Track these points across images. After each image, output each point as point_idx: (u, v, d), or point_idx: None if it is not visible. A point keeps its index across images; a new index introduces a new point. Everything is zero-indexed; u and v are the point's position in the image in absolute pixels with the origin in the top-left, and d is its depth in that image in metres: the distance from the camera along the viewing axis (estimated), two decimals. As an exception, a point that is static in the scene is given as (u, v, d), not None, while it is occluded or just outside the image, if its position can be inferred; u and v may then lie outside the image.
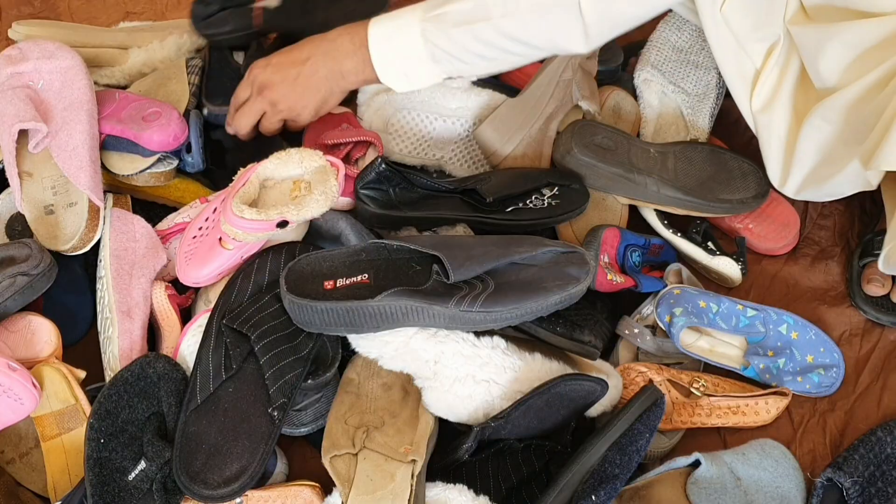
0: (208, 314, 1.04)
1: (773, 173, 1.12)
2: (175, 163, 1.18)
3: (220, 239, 1.05)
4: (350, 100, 1.27)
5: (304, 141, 1.21)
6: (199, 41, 1.40)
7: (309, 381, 0.99)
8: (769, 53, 1.07)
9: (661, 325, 1.07)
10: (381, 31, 1.03)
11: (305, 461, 1.05)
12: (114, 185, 1.18)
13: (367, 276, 1.01)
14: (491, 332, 1.00)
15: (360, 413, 0.99)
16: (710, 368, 1.09)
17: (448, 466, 0.98)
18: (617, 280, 1.07)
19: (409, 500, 0.91)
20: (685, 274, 1.14)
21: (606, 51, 1.29)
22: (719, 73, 1.26)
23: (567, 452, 0.98)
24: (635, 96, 1.29)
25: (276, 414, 0.95)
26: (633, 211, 1.21)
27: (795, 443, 1.06)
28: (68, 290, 1.12)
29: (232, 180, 1.10)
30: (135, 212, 1.15)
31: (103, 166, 1.15)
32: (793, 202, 1.20)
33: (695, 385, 1.04)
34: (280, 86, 1.11)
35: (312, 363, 1.00)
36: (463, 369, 0.97)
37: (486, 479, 0.98)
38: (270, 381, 0.96)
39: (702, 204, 1.15)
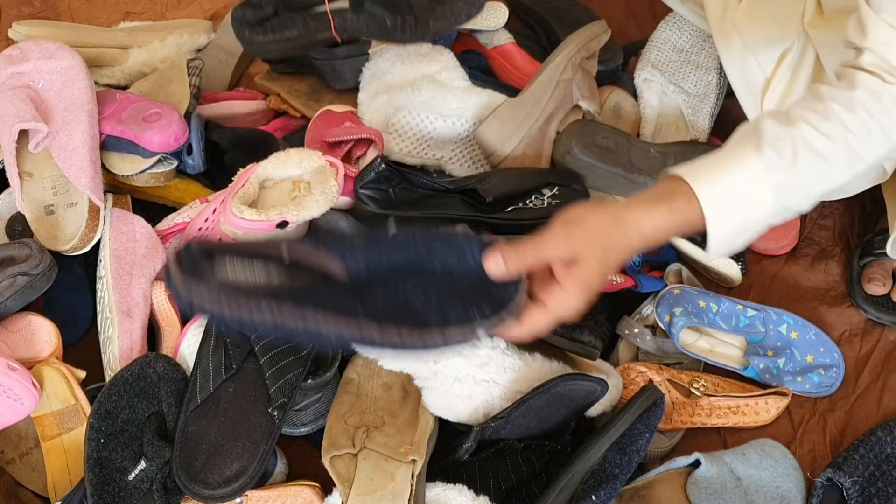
0: (208, 314, 1.04)
1: None
2: (175, 163, 1.18)
3: (220, 240, 1.05)
4: (351, 98, 1.27)
5: (306, 139, 1.21)
6: (200, 41, 1.41)
7: (309, 381, 0.99)
8: (781, 59, 1.07)
9: (661, 325, 1.07)
10: (721, 201, 0.79)
11: (305, 461, 1.05)
12: (114, 186, 1.18)
13: (367, 275, 1.01)
14: (490, 332, 1.00)
15: (360, 413, 0.99)
16: (710, 368, 1.09)
17: (448, 466, 0.98)
18: (617, 280, 1.07)
19: (409, 499, 0.91)
20: (685, 274, 1.14)
21: (607, 51, 1.29)
22: (720, 74, 1.26)
23: (567, 452, 0.98)
24: (635, 96, 1.29)
25: (276, 414, 0.95)
26: (633, 211, 1.21)
27: (795, 443, 1.06)
28: (68, 290, 1.12)
29: (231, 181, 1.10)
30: (135, 212, 1.15)
31: (103, 166, 1.15)
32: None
33: (695, 385, 1.04)
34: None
35: (312, 363, 1.00)
36: (462, 369, 0.97)
37: (486, 478, 0.98)
38: (270, 380, 0.96)
39: (702, 204, 1.15)
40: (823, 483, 0.99)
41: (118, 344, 1.04)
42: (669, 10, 1.29)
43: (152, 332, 1.11)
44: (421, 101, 1.21)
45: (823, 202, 1.23)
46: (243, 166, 1.11)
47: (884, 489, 0.98)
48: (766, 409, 1.05)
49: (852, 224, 1.23)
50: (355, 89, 1.26)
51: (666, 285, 1.11)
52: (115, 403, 0.97)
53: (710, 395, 1.04)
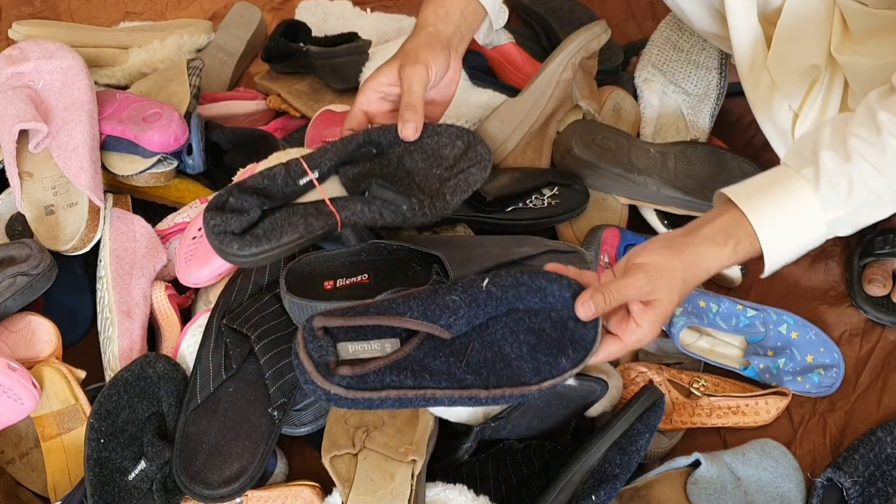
0: (208, 314, 1.04)
1: None
2: (175, 163, 1.18)
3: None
4: (351, 98, 1.27)
5: (307, 139, 1.21)
6: (200, 41, 1.41)
7: (309, 381, 0.99)
8: (810, 90, 1.07)
9: (661, 325, 1.06)
10: (780, 240, 0.85)
11: (305, 461, 1.05)
12: (114, 186, 1.18)
13: (366, 276, 1.01)
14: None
15: (359, 413, 0.99)
16: (710, 368, 1.09)
17: (448, 466, 0.98)
18: (617, 280, 1.07)
19: (409, 499, 0.91)
20: (685, 274, 1.14)
21: (606, 50, 1.29)
22: (720, 74, 1.26)
23: (567, 452, 0.98)
24: (635, 96, 1.29)
25: (276, 414, 0.95)
26: (633, 211, 1.21)
27: (795, 443, 1.06)
28: (68, 290, 1.12)
29: (231, 181, 1.10)
30: (135, 212, 1.15)
31: (103, 166, 1.15)
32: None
33: (695, 385, 1.04)
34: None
35: (312, 363, 1.00)
36: (462, 369, 0.97)
37: (486, 479, 0.98)
38: (270, 380, 0.96)
39: (702, 204, 1.15)
40: (823, 483, 0.99)
41: (118, 344, 1.04)
42: (670, 10, 1.29)
43: (152, 332, 1.11)
44: (421, 102, 1.21)
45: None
46: (243, 166, 1.11)
47: (884, 489, 0.98)
48: (766, 409, 1.05)
49: (852, 224, 1.22)
50: (355, 89, 1.26)
51: (666, 285, 1.10)
52: (115, 403, 0.97)
53: (710, 395, 1.04)
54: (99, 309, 1.09)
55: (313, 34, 1.36)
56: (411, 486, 0.92)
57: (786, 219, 0.84)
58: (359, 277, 1.01)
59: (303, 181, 0.97)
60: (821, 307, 1.16)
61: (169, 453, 0.95)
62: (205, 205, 1.12)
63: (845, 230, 0.87)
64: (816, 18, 1.04)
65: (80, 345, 1.11)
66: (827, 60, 1.06)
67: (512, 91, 1.25)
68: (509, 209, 1.12)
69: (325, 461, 0.95)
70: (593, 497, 0.90)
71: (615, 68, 1.32)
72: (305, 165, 0.98)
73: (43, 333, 1.05)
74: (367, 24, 1.42)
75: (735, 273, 1.15)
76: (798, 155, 0.86)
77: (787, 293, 1.18)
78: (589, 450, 0.94)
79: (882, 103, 0.85)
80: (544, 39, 1.41)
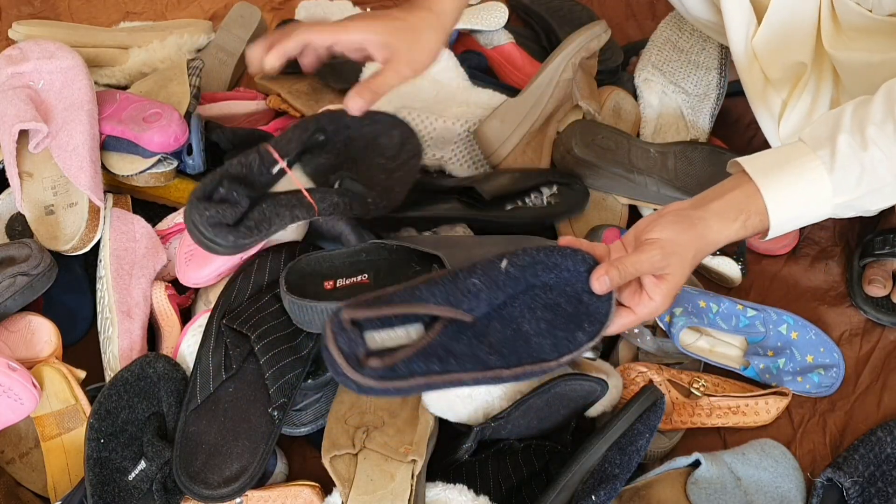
0: (208, 314, 1.04)
1: None
2: (175, 163, 1.17)
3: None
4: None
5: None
6: (200, 41, 1.41)
7: (309, 381, 0.99)
8: (796, 82, 1.07)
9: (660, 325, 1.06)
10: (788, 217, 0.86)
11: (305, 461, 1.05)
12: (114, 186, 1.18)
13: (367, 276, 1.01)
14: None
15: (359, 413, 0.99)
16: (710, 368, 1.09)
17: (448, 466, 0.98)
18: (617, 280, 1.07)
19: (409, 499, 0.91)
20: (685, 274, 1.14)
21: (606, 50, 1.29)
22: (720, 73, 1.26)
23: (567, 452, 0.98)
24: (635, 96, 1.29)
25: (276, 414, 0.95)
26: (633, 211, 1.21)
27: (795, 443, 1.06)
28: (68, 290, 1.12)
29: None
30: (135, 212, 1.15)
31: (103, 167, 1.15)
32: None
33: (695, 385, 1.04)
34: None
35: (312, 363, 1.00)
36: (462, 367, 0.97)
37: (486, 479, 0.98)
38: (270, 381, 0.96)
39: (702, 204, 1.15)
40: (823, 483, 0.99)
41: (118, 344, 1.04)
42: (670, 9, 1.29)
43: (152, 332, 1.11)
44: (421, 102, 1.21)
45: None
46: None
47: (884, 489, 0.98)
48: (766, 409, 1.05)
49: (852, 224, 1.23)
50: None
51: (666, 285, 1.10)
52: (115, 403, 0.97)
53: (710, 395, 1.04)
54: (99, 309, 1.09)
55: (313, 34, 1.36)
56: (411, 485, 0.92)
57: (797, 198, 0.85)
58: (359, 277, 1.01)
59: (275, 169, 1.00)
60: (821, 307, 1.16)
61: (169, 453, 0.95)
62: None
63: (848, 213, 0.88)
64: (804, 16, 1.04)
65: (80, 345, 1.11)
66: (813, 58, 1.06)
67: (512, 91, 1.25)
68: (508, 207, 1.12)
69: (325, 461, 0.95)
70: (593, 497, 0.90)
71: (615, 68, 1.32)
72: (275, 154, 0.99)
73: (43, 333, 1.05)
74: (367, 24, 1.42)
75: (735, 273, 1.15)
76: (816, 135, 0.86)
77: (787, 293, 1.18)
78: (589, 450, 0.94)
79: None
80: (544, 39, 1.41)
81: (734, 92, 1.26)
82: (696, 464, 0.99)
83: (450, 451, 0.97)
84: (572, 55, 1.20)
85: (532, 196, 1.14)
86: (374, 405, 1.00)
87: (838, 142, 0.84)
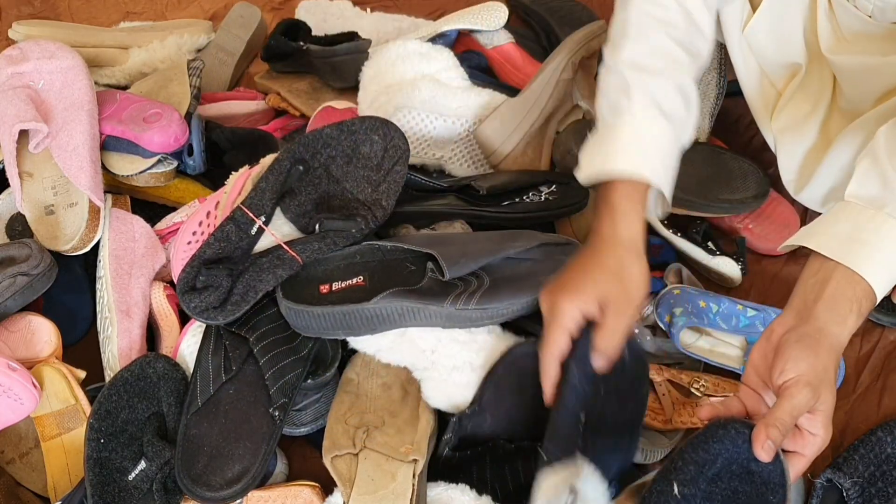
0: (208, 315, 1.04)
1: (788, 182, 1.12)
2: (175, 164, 1.18)
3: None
4: (351, 97, 1.28)
5: (307, 136, 1.21)
6: (200, 41, 1.41)
7: (309, 381, 0.99)
8: (791, 78, 1.07)
9: (661, 325, 1.06)
10: (889, 282, 0.82)
11: (305, 461, 1.05)
12: (113, 186, 1.18)
13: (362, 278, 1.01)
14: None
15: (360, 413, 0.99)
16: (710, 369, 1.09)
17: (435, 465, 0.97)
18: (617, 280, 1.07)
19: (410, 499, 0.91)
20: (685, 273, 1.14)
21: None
22: (720, 73, 1.25)
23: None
24: (635, 96, 1.29)
25: (277, 414, 0.95)
26: (633, 211, 1.21)
27: (795, 443, 1.06)
28: (68, 290, 1.12)
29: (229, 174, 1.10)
30: (134, 212, 1.15)
31: (103, 167, 1.15)
32: (793, 202, 1.20)
33: (695, 385, 1.04)
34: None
35: (312, 363, 1.00)
36: (460, 357, 0.97)
37: (484, 484, 0.97)
38: (271, 381, 0.96)
39: (701, 204, 1.15)
40: (823, 483, 0.99)
41: (117, 343, 1.05)
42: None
43: (151, 332, 1.11)
44: (421, 101, 1.21)
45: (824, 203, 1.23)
46: (242, 166, 1.10)
47: (884, 489, 0.98)
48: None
49: (852, 224, 1.22)
50: (355, 88, 1.26)
51: (666, 285, 1.10)
52: (115, 403, 0.97)
53: (710, 396, 1.04)
54: (98, 308, 1.09)
55: (313, 34, 1.36)
56: (413, 485, 0.92)
57: (890, 262, 0.81)
58: (354, 280, 1.01)
59: (253, 230, 1.01)
60: (821, 307, 1.16)
61: (169, 453, 0.95)
62: (203, 204, 1.13)
63: None
64: (798, 9, 1.04)
65: (80, 345, 1.11)
66: (809, 61, 1.06)
67: (512, 91, 1.25)
68: (505, 203, 1.12)
69: (326, 461, 0.95)
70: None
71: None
72: (251, 214, 1.01)
73: (43, 333, 1.05)
74: (367, 24, 1.42)
75: (735, 273, 1.15)
76: (868, 195, 0.83)
77: (787, 293, 1.16)
78: None
79: None
80: (544, 39, 1.41)
81: (734, 92, 1.26)
82: (696, 464, 0.99)
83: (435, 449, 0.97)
84: (572, 55, 1.20)
85: (530, 194, 1.14)
86: (373, 405, 1.00)
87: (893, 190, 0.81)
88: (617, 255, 0.89)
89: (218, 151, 1.24)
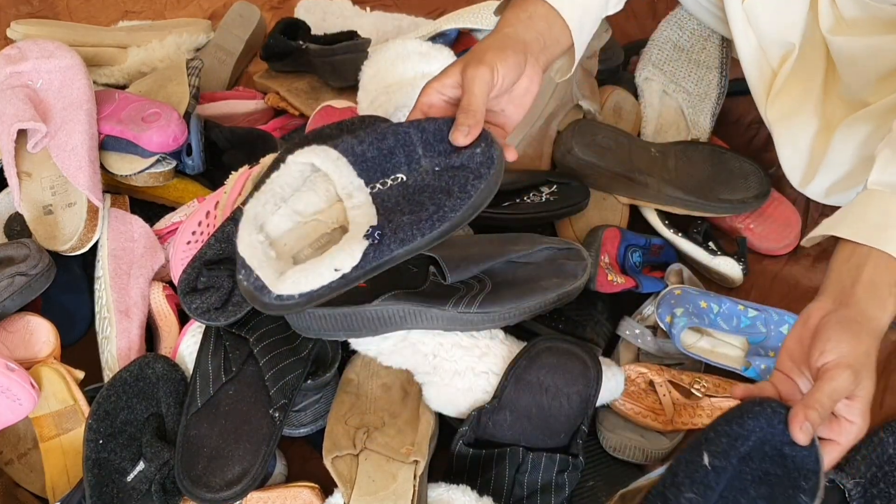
0: (207, 315, 1.03)
1: (793, 176, 1.12)
2: (174, 163, 1.17)
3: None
4: (350, 97, 1.27)
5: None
6: (199, 40, 1.40)
7: (309, 382, 0.98)
8: (784, 60, 1.07)
9: (661, 325, 1.06)
10: None
11: (305, 462, 1.05)
12: (112, 185, 1.18)
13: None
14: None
15: (360, 413, 0.99)
16: (711, 369, 1.08)
17: (448, 462, 0.97)
18: (617, 281, 1.07)
19: (411, 500, 0.91)
20: (686, 274, 1.14)
21: (607, 50, 1.29)
22: (720, 73, 1.25)
23: (579, 462, 0.96)
24: (636, 96, 1.29)
25: (277, 415, 0.95)
26: (634, 211, 1.21)
27: (797, 443, 1.05)
28: (67, 290, 1.11)
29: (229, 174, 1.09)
30: (133, 212, 1.15)
31: (102, 166, 1.15)
32: (794, 202, 1.20)
33: (696, 386, 1.04)
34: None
35: (312, 364, 1.00)
36: (462, 362, 0.97)
37: (500, 492, 0.96)
38: (270, 382, 0.96)
39: (702, 204, 1.15)
40: (826, 484, 0.98)
41: (116, 343, 1.04)
42: (670, 9, 1.28)
43: (151, 333, 1.11)
44: (421, 101, 1.20)
45: (823, 203, 1.23)
46: (241, 166, 1.10)
47: (886, 490, 0.98)
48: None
49: (853, 224, 1.22)
50: (354, 87, 1.26)
51: (666, 286, 1.10)
52: (114, 404, 0.97)
53: (711, 396, 1.04)
54: (97, 309, 1.09)
55: (312, 33, 1.36)
56: (414, 486, 0.92)
57: None
58: (355, 281, 1.00)
59: None
60: (822, 307, 1.16)
61: (167, 454, 0.95)
62: (202, 204, 1.12)
63: None
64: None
65: (79, 345, 1.11)
66: (803, 44, 1.06)
67: (512, 90, 1.24)
68: (505, 204, 1.12)
69: (327, 462, 0.95)
70: None
71: (616, 68, 1.32)
72: None
73: (41, 334, 1.05)
74: (366, 23, 1.42)
75: (736, 273, 1.15)
76: (891, 181, 0.83)
77: (789, 293, 1.17)
78: None
79: None
80: (544, 39, 1.41)
81: (735, 91, 1.25)
82: (697, 465, 0.98)
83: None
84: (573, 55, 1.20)
85: (531, 194, 1.14)
86: (374, 406, 1.00)
87: None
88: (493, 42, 0.88)
89: (217, 151, 1.24)
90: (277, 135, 1.28)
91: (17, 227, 1.13)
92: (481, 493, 0.94)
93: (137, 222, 1.13)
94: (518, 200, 1.13)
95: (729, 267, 1.15)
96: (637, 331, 1.08)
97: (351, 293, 0.99)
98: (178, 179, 1.20)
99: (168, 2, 1.54)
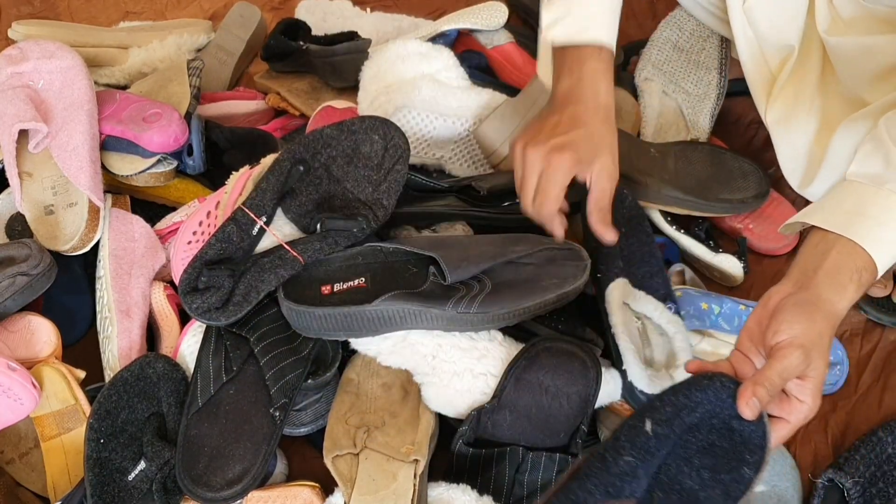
0: (208, 315, 1.04)
1: (793, 177, 1.12)
2: (175, 164, 1.17)
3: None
4: (350, 97, 1.27)
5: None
6: (200, 41, 1.41)
7: (309, 381, 0.99)
8: (784, 62, 1.07)
9: (662, 326, 1.06)
10: (889, 256, 0.83)
11: (305, 461, 1.05)
12: (113, 186, 1.18)
13: (363, 279, 1.01)
14: (490, 324, 1.00)
15: (360, 413, 0.99)
16: (710, 369, 1.08)
17: (449, 463, 0.97)
18: (618, 280, 1.07)
19: (412, 500, 0.91)
20: (688, 275, 1.14)
21: (607, 50, 1.29)
22: (720, 73, 1.25)
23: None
24: (636, 96, 1.29)
25: (277, 414, 0.95)
26: (634, 211, 1.21)
27: (796, 443, 1.06)
28: (68, 290, 1.11)
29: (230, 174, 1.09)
30: (134, 212, 1.15)
31: (103, 167, 1.15)
32: (793, 202, 1.20)
33: (695, 385, 1.04)
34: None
35: (313, 363, 1.00)
36: (461, 363, 0.97)
37: (500, 491, 0.96)
38: (271, 381, 0.96)
39: (702, 204, 1.15)
40: (825, 484, 0.99)
41: (117, 343, 1.04)
42: (670, 9, 1.29)
43: (151, 332, 1.11)
44: (421, 101, 1.21)
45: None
46: (241, 166, 1.10)
47: (885, 489, 0.98)
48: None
49: (853, 224, 1.22)
50: (355, 88, 1.26)
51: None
52: (115, 404, 0.97)
53: (710, 396, 1.04)
54: (98, 308, 1.09)
55: (313, 34, 1.36)
56: (414, 485, 0.92)
57: (892, 236, 0.82)
58: (356, 281, 1.01)
59: (255, 230, 1.01)
60: (821, 307, 1.16)
61: (168, 454, 0.95)
62: (203, 204, 1.12)
63: None
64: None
65: (80, 345, 1.11)
66: (801, 43, 1.06)
67: (512, 91, 1.25)
68: (506, 204, 1.12)
69: (328, 461, 0.95)
70: None
71: (615, 68, 1.32)
72: (252, 214, 1.01)
73: (42, 333, 1.05)
74: (366, 23, 1.42)
75: (738, 271, 1.15)
76: (870, 172, 0.84)
77: (788, 293, 1.17)
78: None
79: None
80: (544, 39, 1.41)
81: (734, 91, 1.26)
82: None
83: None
84: (572, 55, 1.20)
85: (531, 195, 1.14)
86: (374, 405, 1.00)
87: None
88: (598, 119, 0.96)
89: (217, 151, 1.24)
90: (278, 135, 1.29)
91: (19, 227, 1.13)
92: (481, 492, 0.94)
93: (138, 222, 1.13)
94: (518, 201, 1.13)
95: (731, 264, 1.15)
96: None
97: (351, 293, 1.00)
98: (179, 179, 1.20)
99: (169, 2, 1.54)
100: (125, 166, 1.16)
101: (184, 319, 1.09)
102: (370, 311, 0.95)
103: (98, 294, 1.09)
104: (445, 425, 1.00)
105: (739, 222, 1.19)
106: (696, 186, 1.16)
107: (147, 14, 1.52)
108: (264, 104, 1.35)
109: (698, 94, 1.25)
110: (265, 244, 1.02)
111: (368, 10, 1.46)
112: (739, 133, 1.30)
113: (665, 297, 1.04)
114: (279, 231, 1.03)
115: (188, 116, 1.18)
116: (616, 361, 0.99)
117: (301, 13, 1.44)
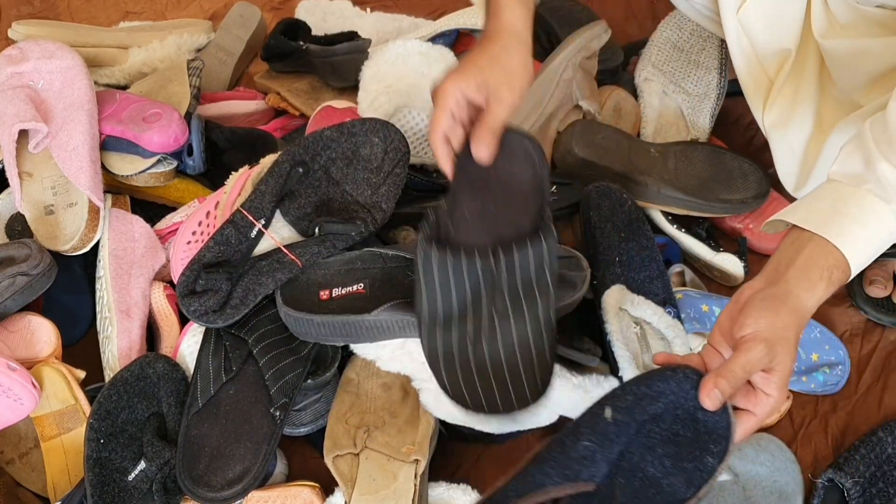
0: (208, 315, 1.04)
1: (787, 179, 1.12)
2: (175, 164, 1.17)
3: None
4: (350, 97, 1.27)
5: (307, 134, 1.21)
6: (200, 41, 1.41)
7: (309, 381, 0.99)
8: (780, 67, 1.08)
9: (662, 328, 1.06)
10: (865, 258, 0.83)
11: (305, 461, 1.05)
12: (113, 186, 1.18)
13: (362, 285, 1.01)
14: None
15: (360, 413, 0.99)
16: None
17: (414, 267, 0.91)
18: (618, 280, 1.07)
19: (412, 499, 0.91)
20: (688, 276, 1.14)
21: (607, 50, 1.29)
22: (720, 73, 1.26)
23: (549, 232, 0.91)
24: (636, 96, 1.29)
25: (277, 414, 0.95)
26: (634, 211, 1.21)
27: (796, 443, 1.06)
28: (68, 290, 1.11)
29: (230, 174, 1.09)
30: (134, 212, 1.15)
31: (103, 167, 1.15)
32: (793, 202, 1.20)
33: (696, 386, 1.04)
34: None
35: (312, 363, 1.00)
36: (458, 370, 0.96)
37: None
38: (271, 381, 0.96)
39: (702, 204, 1.15)
40: (824, 484, 0.99)
41: (117, 343, 1.04)
42: (670, 9, 1.29)
43: (151, 332, 1.11)
44: (421, 101, 1.21)
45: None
46: (241, 166, 1.10)
47: (885, 489, 0.98)
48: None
49: (853, 224, 1.22)
50: (355, 88, 1.26)
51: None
52: (115, 404, 0.97)
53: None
54: (98, 308, 1.09)
55: (313, 34, 1.36)
56: (415, 485, 0.92)
57: (867, 236, 0.82)
58: (355, 287, 1.01)
59: (253, 233, 1.01)
60: (821, 307, 1.15)
61: (168, 454, 0.95)
62: (202, 204, 1.12)
63: None
64: (791, 3, 1.04)
65: (80, 345, 1.11)
66: (798, 47, 1.06)
67: (512, 91, 1.24)
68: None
69: (328, 461, 0.95)
70: None
71: (615, 68, 1.32)
72: (250, 217, 1.01)
73: (42, 333, 1.05)
74: (366, 24, 1.42)
75: (738, 270, 1.15)
76: (851, 172, 0.84)
77: (788, 293, 1.17)
78: None
79: None
80: (544, 39, 1.41)
81: (734, 92, 1.26)
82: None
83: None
84: (572, 55, 1.20)
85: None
86: (374, 405, 1.00)
87: (879, 171, 0.82)
88: (501, 42, 0.92)
89: (217, 151, 1.24)
90: (278, 135, 1.29)
91: (19, 227, 1.13)
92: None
93: (138, 222, 1.13)
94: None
95: (732, 263, 1.15)
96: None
97: (349, 300, 0.99)
98: (179, 180, 1.20)
99: (169, 2, 1.54)
100: (125, 166, 1.16)
101: (183, 320, 1.09)
102: (369, 321, 0.95)
103: (98, 294, 1.09)
104: (446, 427, 1.00)
105: (739, 222, 1.19)
106: (697, 186, 1.16)
107: (147, 14, 1.52)
108: (264, 104, 1.35)
109: (698, 94, 1.26)
110: (263, 247, 1.02)
111: (368, 10, 1.46)
112: (739, 133, 1.30)
113: (665, 301, 1.04)
114: (277, 234, 1.03)
115: (188, 116, 1.18)
116: (613, 368, 0.99)
117: (301, 13, 1.44)
